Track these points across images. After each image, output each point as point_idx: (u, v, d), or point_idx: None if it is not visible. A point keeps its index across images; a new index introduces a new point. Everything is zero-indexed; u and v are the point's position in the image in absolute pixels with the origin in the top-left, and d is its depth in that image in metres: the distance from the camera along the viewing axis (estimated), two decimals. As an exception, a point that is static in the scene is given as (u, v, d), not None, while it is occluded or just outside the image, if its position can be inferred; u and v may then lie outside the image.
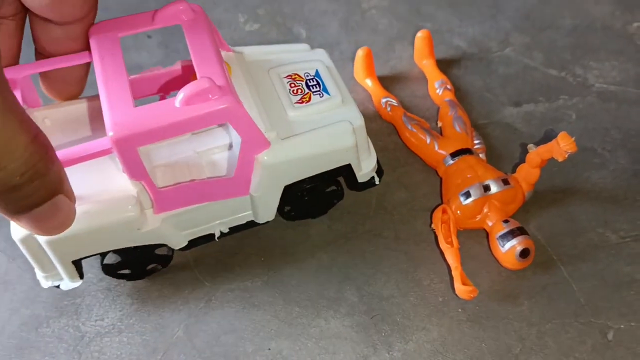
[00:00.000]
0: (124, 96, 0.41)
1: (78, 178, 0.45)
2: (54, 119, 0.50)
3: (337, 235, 0.55)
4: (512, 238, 0.50)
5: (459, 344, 0.49)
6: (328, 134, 0.47)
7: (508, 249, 0.50)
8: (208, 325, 0.50)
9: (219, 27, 0.73)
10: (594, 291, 0.51)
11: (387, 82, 0.67)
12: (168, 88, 0.53)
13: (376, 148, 0.61)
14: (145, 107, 0.41)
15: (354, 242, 0.55)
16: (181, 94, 0.40)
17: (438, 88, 0.64)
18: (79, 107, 0.51)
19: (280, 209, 0.51)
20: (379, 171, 0.53)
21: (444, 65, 0.68)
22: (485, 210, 0.53)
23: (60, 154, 0.41)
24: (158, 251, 0.50)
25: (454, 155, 0.57)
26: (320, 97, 0.49)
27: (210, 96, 0.40)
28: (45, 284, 0.48)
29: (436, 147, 0.58)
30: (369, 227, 0.56)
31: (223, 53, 0.51)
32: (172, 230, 0.48)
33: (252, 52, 0.52)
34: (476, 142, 0.59)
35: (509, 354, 0.48)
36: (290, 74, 0.51)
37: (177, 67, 0.52)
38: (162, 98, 0.54)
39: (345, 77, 0.67)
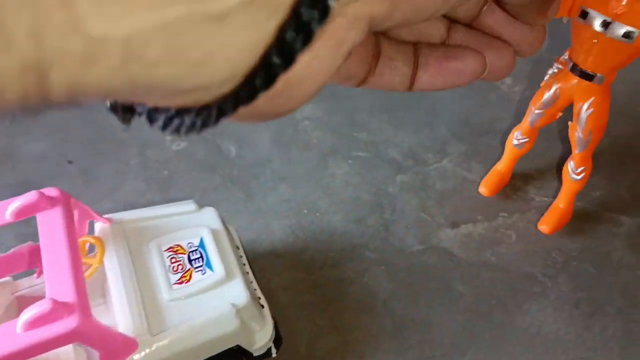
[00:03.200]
0: None
1: None
2: None
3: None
4: None
5: None
6: (207, 323, 0.43)
7: None
8: None
9: (146, 146, 0.70)
10: None
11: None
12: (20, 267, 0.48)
13: (307, 284, 0.57)
14: None
15: (281, 401, 0.51)
16: (22, 318, 0.35)
17: None
18: None
19: None
20: (277, 339, 0.50)
21: (378, 182, 0.66)
22: None
23: None
24: None
25: None
26: (202, 274, 0.46)
27: (55, 317, 0.36)
28: None
29: None
30: (297, 381, 0.52)
31: (98, 226, 0.47)
32: None
33: (134, 218, 0.49)
34: None
35: None
36: (172, 245, 0.47)
37: (24, 248, 0.48)
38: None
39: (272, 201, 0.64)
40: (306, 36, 0.12)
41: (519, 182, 0.66)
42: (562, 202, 0.61)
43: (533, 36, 0.22)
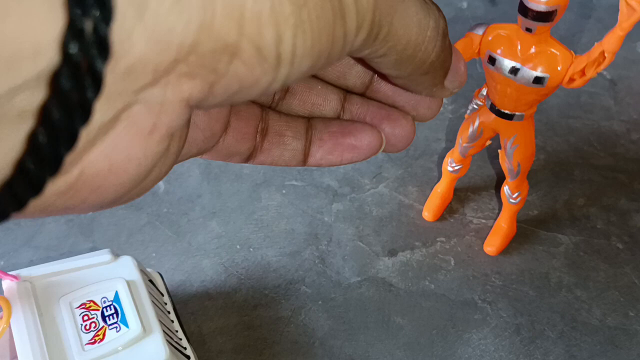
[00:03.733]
0: None
1: None
2: None
3: None
4: None
5: None
6: None
7: None
8: None
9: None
10: None
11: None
12: None
13: (241, 326, 0.55)
14: None
15: None
16: None
17: None
18: None
19: None
20: None
21: (314, 211, 0.64)
22: None
23: None
24: None
25: None
26: (117, 331, 0.43)
27: None
28: None
29: None
30: None
31: (6, 285, 0.44)
32: None
33: (44, 273, 0.45)
34: None
35: None
36: (84, 301, 0.44)
37: None
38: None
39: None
40: (69, 139, 0.11)
41: (455, 204, 0.64)
42: (504, 222, 0.60)
43: (430, 99, 0.21)
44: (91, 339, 0.42)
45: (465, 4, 0.90)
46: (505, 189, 0.57)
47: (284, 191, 0.66)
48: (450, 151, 0.60)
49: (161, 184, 0.66)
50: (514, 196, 0.57)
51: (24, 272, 0.46)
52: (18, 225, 0.63)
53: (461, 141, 0.56)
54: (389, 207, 0.64)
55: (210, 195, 0.65)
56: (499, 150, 0.54)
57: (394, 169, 0.68)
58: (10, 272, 0.46)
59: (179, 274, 0.59)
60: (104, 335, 0.42)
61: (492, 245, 0.60)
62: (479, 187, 0.66)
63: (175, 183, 0.66)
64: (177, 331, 0.49)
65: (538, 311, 0.56)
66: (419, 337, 0.55)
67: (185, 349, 0.48)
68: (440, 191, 0.63)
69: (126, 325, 0.43)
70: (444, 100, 0.74)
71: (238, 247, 0.61)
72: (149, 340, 0.43)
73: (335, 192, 0.66)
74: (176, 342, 0.47)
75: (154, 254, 0.61)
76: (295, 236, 0.62)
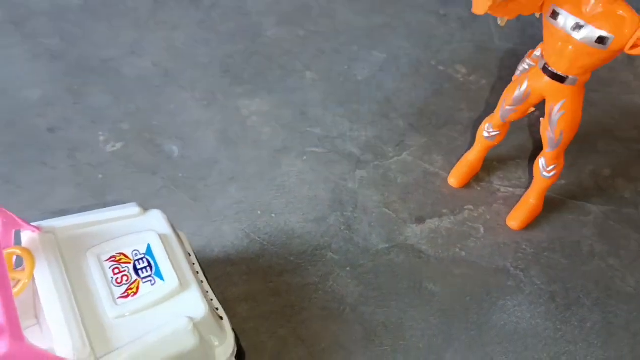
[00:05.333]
0: None
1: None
2: None
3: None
4: None
5: None
6: (161, 340, 0.37)
7: None
8: None
9: (76, 148, 0.63)
10: None
11: (275, 205, 0.59)
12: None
13: (267, 293, 0.52)
14: None
15: None
16: None
17: None
18: None
19: None
20: (240, 353, 0.44)
21: (337, 178, 0.61)
22: None
23: None
24: None
25: None
26: (152, 284, 0.40)
27: None
28: None
29: None
30: (262, 401, 0.47)
31: (27, 236, 0.40)
32: None
33: (68, 225, 0.42)
34: None
35: None
36: (114, 254, 0.41)
37: None
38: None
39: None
40: None
41: (482, 173, 0.63)
42: (532, 197, 0.58)
43: None
44: (124, 293, 0.39)
45: None
46: (541, 161, 0.55)
47: (304, 157, 0.63)
48: (489, 116, 0.58)
49: (175, 148, 0.63)
50: (548, 169, 0.55)
51: (45, 223, 0.42)
52: (22, 188, 0.60)
53: (504, 103, 0.54)
54: (414, 175, 0.62)
55: (227, 160, 0.62)
56: (541, 119, 0.52)
57: (417, 137, 0.66)
58: (32, 223, 0.42)
59: (199, 240, 0.56)
60: (137, 288, 0.39)
61: (515, 219, 0.58)
62: (505, 156, 0.65)
63: (190, 149, 0.63)
64: (207, 292, 0.47)
65: (572, 279, 0.55)
66: (453, 304, 0.53)
67: (217, 309, 0.46)
68: (470, 159, 0.61)
69: (161, 278, 0.40)
70: (464, 70, 0.72)
71: (259, 212, 0.58)
72: (186, 295, 0.40)
73: (358, 159, 0.63)
74: (209, 302, 0.45)
75: (170, 219, 0.58)
76: (319, 202, 0.59)
